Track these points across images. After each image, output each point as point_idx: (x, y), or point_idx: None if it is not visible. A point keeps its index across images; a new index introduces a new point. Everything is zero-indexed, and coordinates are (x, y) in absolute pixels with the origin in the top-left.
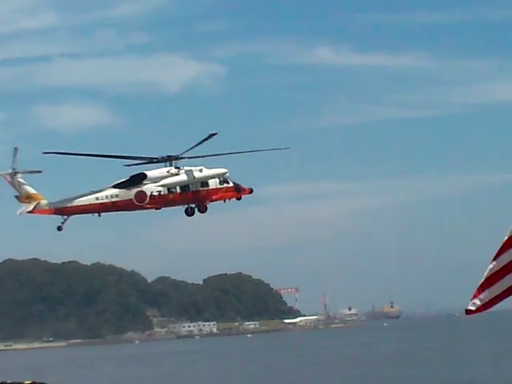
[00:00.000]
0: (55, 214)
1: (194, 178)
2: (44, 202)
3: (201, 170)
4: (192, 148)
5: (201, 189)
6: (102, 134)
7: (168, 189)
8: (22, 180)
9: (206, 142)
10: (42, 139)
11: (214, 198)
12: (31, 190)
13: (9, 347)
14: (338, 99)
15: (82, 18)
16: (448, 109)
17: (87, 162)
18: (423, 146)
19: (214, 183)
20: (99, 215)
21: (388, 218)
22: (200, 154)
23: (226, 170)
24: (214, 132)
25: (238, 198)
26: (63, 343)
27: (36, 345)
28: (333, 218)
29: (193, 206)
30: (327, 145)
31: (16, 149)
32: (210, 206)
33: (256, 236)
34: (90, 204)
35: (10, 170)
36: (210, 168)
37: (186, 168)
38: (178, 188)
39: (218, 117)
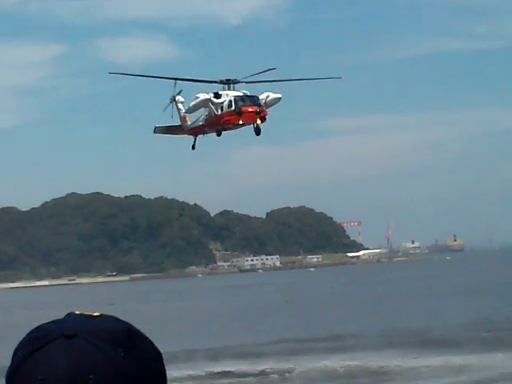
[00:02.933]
0: (189, 134)
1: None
2: (187, 124)
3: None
4: (251, 76)
5: (219, 114)
6: (165, 67)
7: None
8: (181, 106)
9: (264, 73)
10: (106, 72)
11: (221, 122)
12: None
13: (72, 281)
14: (401, 31)
15: None
16: None
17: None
18: (490, 77)
19: (225, 107)
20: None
21: (452, 151)
22: (258, 79)
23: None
24: (273, 67)
25: (261, 119)
26: (126, 277)
27: (99, 279)
28: (396, 151)
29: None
30: (391, 77)
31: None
32: (272, 138)
33: (319, 169)
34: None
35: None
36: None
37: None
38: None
39: (280, 49)
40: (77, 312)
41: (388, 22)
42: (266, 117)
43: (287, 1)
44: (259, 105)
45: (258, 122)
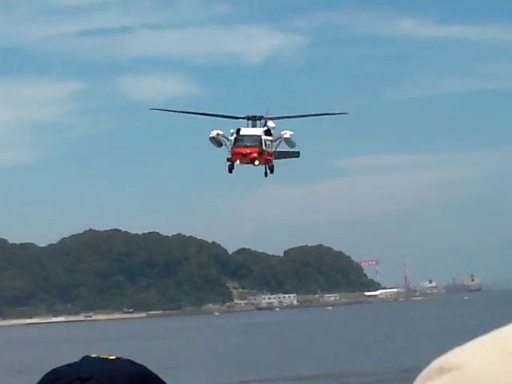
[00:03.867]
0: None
1: None
2: None
3: None
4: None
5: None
6: (186, 105)
7: None
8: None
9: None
10: (125, 110)
11: (229, 159)
12: None
13: (89, 318)
14: (420, 71)
15: None
16: None
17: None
18: (507, 118)
19: (230, 146)
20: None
21: (469, 190)
22: (282, 115)
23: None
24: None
25: (252, 161)
26: (143, 314)
27: (116, 316)
28: (413, 191)
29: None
30: (408, 117)
31: None
32: (293, 177)
33: (337, 208)
34: None
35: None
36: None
37: None
38: None
39: (301, 88)
40: (93, 355)
41: (407, 62)
42: (257, 159)
43: (306, 40)
44: (254, 146)
45: (256, 162)
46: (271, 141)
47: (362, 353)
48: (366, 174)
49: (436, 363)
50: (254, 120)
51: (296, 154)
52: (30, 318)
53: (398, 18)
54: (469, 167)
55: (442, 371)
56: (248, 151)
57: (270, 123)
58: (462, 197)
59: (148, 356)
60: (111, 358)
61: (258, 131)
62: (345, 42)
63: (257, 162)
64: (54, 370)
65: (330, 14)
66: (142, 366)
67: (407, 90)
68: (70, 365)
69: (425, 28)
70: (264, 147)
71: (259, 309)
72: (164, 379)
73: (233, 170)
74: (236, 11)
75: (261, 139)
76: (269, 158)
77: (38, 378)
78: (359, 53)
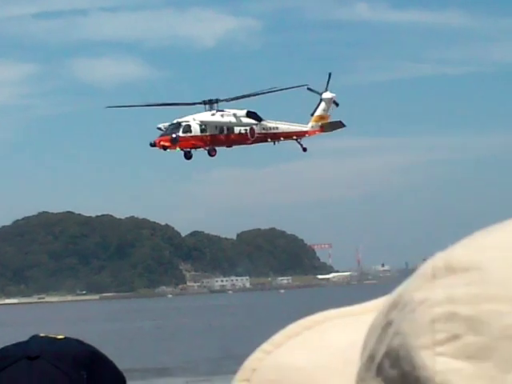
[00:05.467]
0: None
1: None
2: None
3: None
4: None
5: None
6: (140, 87)
7: None
8: None
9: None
10: (79, 92)
11: None
12: None
13: (42, 300)
14: (375, 56)
15: None
16: (488, 66)
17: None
18: (463, 103)
19: None
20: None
21: (424, 175)
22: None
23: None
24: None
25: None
26: (96, 296)
27: (69, 298)
28: (368, 174)
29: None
30: (365, 101)
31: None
32: (244, 161)
33: (290, 191)
34: None
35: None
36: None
37: None
38: None
39: (254, 72)
40: (41, 334)
41: (363, 46)
42: (170, 147)
43: (260, 23)
44: (168, 134)
45: (177, 149)
46: (218, 123)
47: None
48: (319, 158)
49: (440, 261)
50: (210, 104)
51: (341, 124)
52: None
53: (353, 2)
54: (426, 151)
55: (452, 270)
56: (157, 140)
57: (326, 94)
58: (418, 181)
59: (100, 337)
60: (59, 337)
61: (191, 117)
62: (299, 26)
63: (178, 149)
64: (1, 349)
65: None
66: (89, 346)
67: (363, 74)
68: (18, 344)
69: (379, 13)
70: (185, 133)
71: (212, 291)
72: (113, 360)
73: (191, 158)
74: None
75: (181, 127)
76: (195, 142)
77: None
78: (314, 37)
